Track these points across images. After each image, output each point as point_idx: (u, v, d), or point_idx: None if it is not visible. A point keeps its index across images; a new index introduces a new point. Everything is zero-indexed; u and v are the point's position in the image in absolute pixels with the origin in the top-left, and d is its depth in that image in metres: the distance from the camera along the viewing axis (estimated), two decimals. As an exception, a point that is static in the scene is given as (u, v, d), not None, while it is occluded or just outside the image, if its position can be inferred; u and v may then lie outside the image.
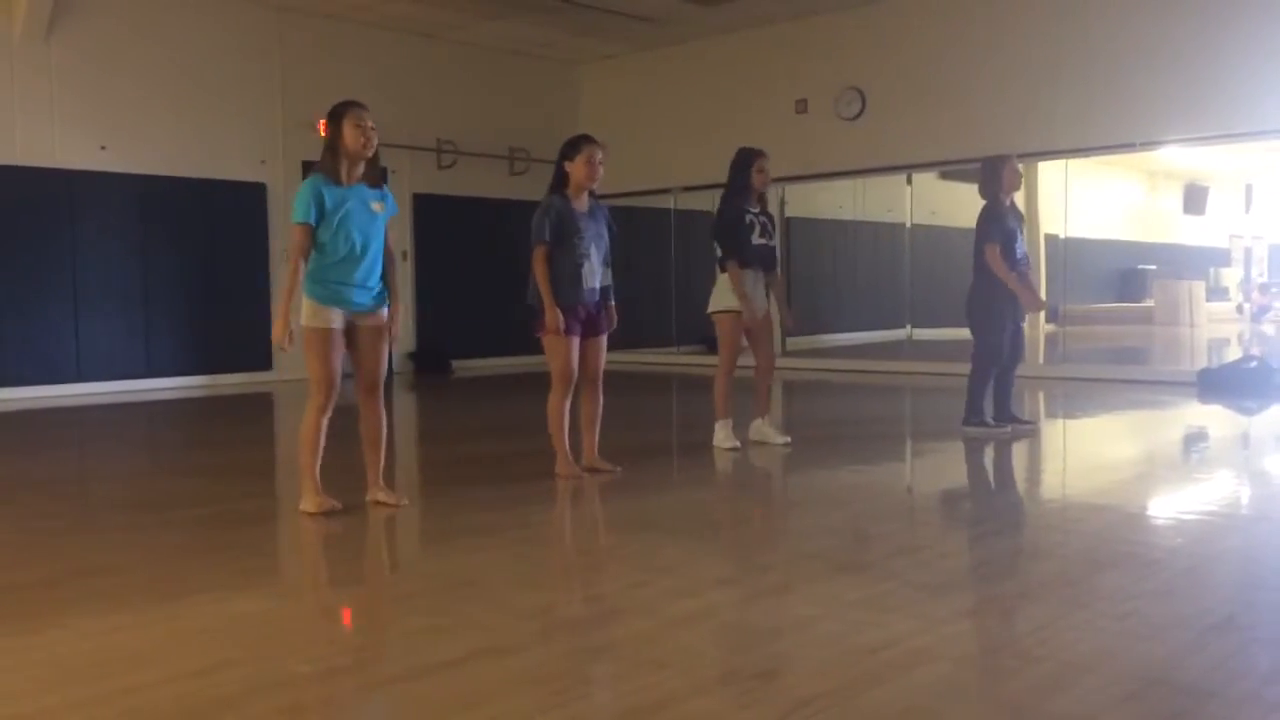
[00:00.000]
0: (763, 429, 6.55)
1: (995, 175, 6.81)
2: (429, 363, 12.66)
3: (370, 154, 4.64)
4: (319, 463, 4.72)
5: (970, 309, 6.87)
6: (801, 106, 12.55)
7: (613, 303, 5.54)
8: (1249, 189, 21.71)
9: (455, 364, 12.91)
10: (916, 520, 4.89)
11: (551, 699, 2.59)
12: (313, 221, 4.56)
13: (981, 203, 6.90)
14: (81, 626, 3.19)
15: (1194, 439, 7.56)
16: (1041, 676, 2.68)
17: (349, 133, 4.56)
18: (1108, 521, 4.59)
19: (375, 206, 4.68)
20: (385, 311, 4.80)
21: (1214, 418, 8.32)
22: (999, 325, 6.78)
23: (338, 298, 4.61)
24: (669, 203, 13.92)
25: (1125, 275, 20.33)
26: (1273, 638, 3.03)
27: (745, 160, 6.40)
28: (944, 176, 12.96)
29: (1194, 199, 21.34)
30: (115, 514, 5.05)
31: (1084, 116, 10.61)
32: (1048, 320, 13.55)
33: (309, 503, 4.72)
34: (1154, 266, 20.24)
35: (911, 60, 11.69)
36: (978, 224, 6.81)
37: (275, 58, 11.73)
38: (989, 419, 6.87)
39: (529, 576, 3.84)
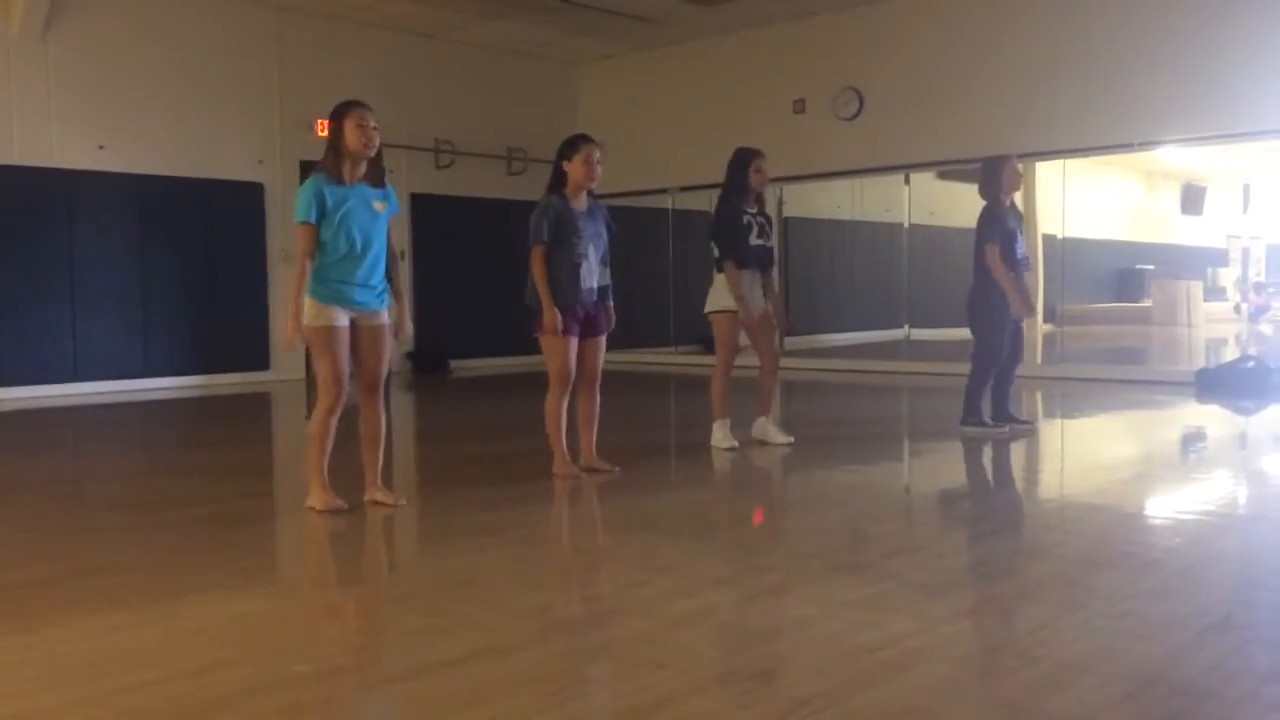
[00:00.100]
0: (766, 428, 6.53)
1: (995, 176, 6.81)
2: (427, 362, 12.66)
3: (372, 154, 4.63)
4: (326, 461, 4.72)
5: (971, 309, 6.87)
6: (799, 106, 12.55)
7: (611, 302, 5.54)
8: (1246, 189, 21.71)
9: (453, 364, 12.92)
10: (914, 520, 4.89)
11: (549, 699, 2.59)
12: (314, 220, 4.55)
13: (980, 203, 6.91)
14: (79, 626, 3.18)
15: (1191, 439, 7.56)
16: (1039, 676, 2.68)
17: (351, 132, 4.56)
18: (1106, 521, 4.60)
19: (377, 206, 4.68)
20: (387, 311, 4.80)
21: (1211, 418, 8.33)
22: (1000, 325, 6.78)
23: (340, 297, 4.61)
24: (667, 203, 13.92)
25: (1123, 275, 20.35)
26: (1270, 637, 3.04)
27: (743, 160, 6.40)
28: (942, 176, 12.97)
29: (1191, 199, 21.36)
30: (113, 514, 5.04)
31: (1082, 116, 10.61)
32: (1046, 320, 13.56)
33: (316, 499, 4.73)
34: (1152, 266, 20.25)
35: (909, 60, 11.70)
36: (978, 224, 6.81)
37: (274, 57, 11.72)
38: (987, 419, 6.87)
39: (527, 576, 3.84)
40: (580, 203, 5.35)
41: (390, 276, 4.81)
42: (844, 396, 10.32)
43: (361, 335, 4.71)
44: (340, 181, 4.60)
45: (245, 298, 11.53)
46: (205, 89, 11.20)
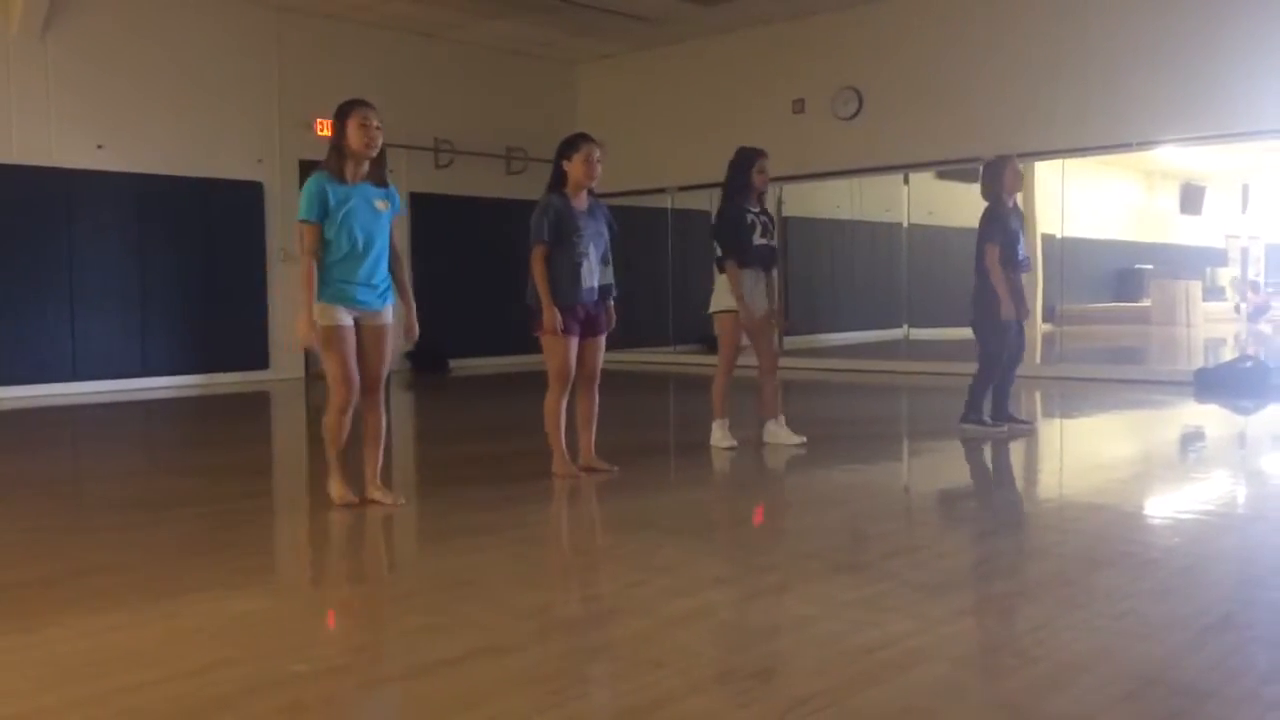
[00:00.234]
0: (775, 431, 6.48)
1: (997, 177, 6.82)
2: (426, 362, 12.65)
3: (374, 154, 4.64)
4: (340, 454, 4.76)
5: (974, 309, 6.88)
6: (799, 106, 12.55)
7: (612, 301, 5.53)
8: (1245, 189, 21.70)
9: (452, 363, 12.91)
10: (914, 520, 4.89)
11: (549, 698, 2.59)
12: (316, 219, 4.55)
13: (981, 203, 6.92)
14: (79, 625, 3.18)
15: (1191, 439, 7.57)
16: (1039, 676, 2.68)
17: (354, 132, 4.56)
18: (1105, 521, 4.60)
19: (379, 205, 4.69)
20: (390, 310, 4.81)
21: (1210, 417, 8.33)
22: (1003, 325, 6.78)
23: (343, 296, 4.62)
24: (666, 202, 13.92)
25: (1122, 275, 20.34)
26: (1270, 637, 3.04)
27: (746, 160, 6.38)
28: (941, 176, 12.97)
29: (1191, 199, 21.35)
30: (112, 513, 5.04)
31: (1081, 116, 10.61)
32: (1045, 320, 13.56)
33: (332, 489, 4.80)
34: (1151, 266, 20.25)
35: (909, 60, 11.70)
36: (980, 225, 6.82)
37: (273, 57, 11.72)
38: (986, 418, 6.88)
39: (526, 576, 3.84)
40: (581, 202, 5.35)
41: (396, 276, 4.82)
42: (843, 396, 10.32)
43: (364, 335, 4.72)
44: (343, 180, 4.60)
45: (244, 297, 11.53)
46: (204, 88, 11.20)
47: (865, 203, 15.27)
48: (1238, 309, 19.76)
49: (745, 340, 6.43)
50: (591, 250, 5.32)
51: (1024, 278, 7.03)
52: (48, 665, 2.86)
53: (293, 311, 4.65)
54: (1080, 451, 7.08)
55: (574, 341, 5.35)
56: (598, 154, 5.29)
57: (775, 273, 6.53)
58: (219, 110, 11.30)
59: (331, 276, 4.60)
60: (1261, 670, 2.76)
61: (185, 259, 11.14)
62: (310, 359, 11.42)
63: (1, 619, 3.25)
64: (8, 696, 2.62)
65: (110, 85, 10.62)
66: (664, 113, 13.59)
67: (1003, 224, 6.74)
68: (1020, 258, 6.81)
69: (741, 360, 6.44)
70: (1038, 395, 9.55)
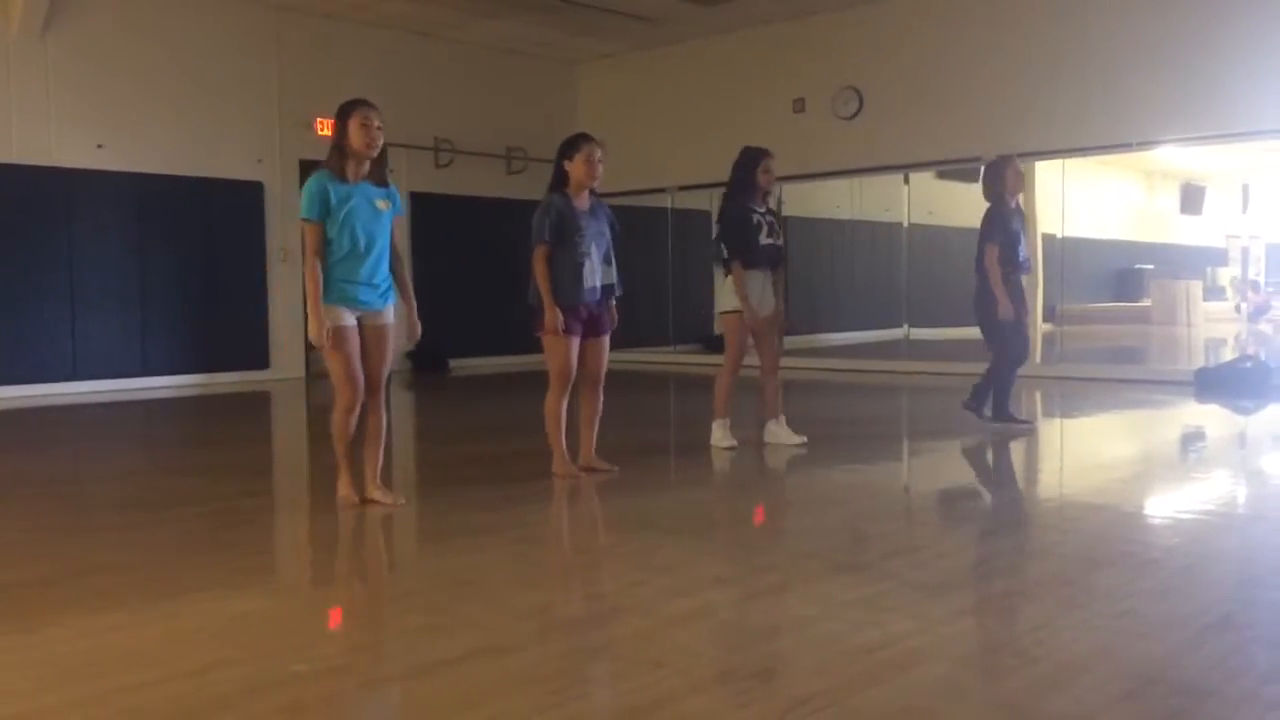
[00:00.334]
0: (776, 431, 6.47)
1: (998, 177, 6.83)
2: (426, 361, 12.65)
3: (375, 154, 4.64)
4: (346, 452, 4.78)
5: (978, 310, 6.88)
6: (799, 106, 12.54)
7: (614, 301, 5.52)
8: (1246, 189, 21.71)
9: (452, 363, 12.91)
10: (914, 520, 4.89)
11: (549, 698, 2.59)
12: (316, 218, 4.55)
13: (981, 202, 6.92)
14: (79, 625, 3.18)
15: (1191, 438, 7.57)
16: (1039, 676, 2.68)
17: (355, 132, 4.57)
18: (1105, 521, 4.60)
19: (380, 204, 4.69)
20: (391, 310, 4.81)
21: (1211, 417, 8.33)
22: (1013, 323, 6.78)
23: (344, 296, 4.62)
24: (666, 202, 13.92)
25: (1122, 275, 20.34)
26: (1270, 636, 3.04)
27: (751, 160, 6.36)
28: (941, 176, 12.97)
29: (1191, 199, 21.35)
30: (112, 513, 5.04)
31: (1081, 116, 10.61)
32: (1045, 320, 13.57)
33: (340, 487, 4.81)
34: (1151, 266, 20.25)
35: (909, 60, 11.69)
36: (981, 225, 6.83)
37: (273, 56, 11.72)
38: (985, 413, 6.92)
39: (526, 576, 3.84)
40: (582, 201, 5.34)
41: (397, 276, 4.83)
42: (843, 396, 10.32)
43: (366, 335, 4.72)
44: (344, 180, 4.61)
45: (244, 297, 11.53)
46: (204, 88, 11.20)
47: (865, 202, 15.27)
48: (1238, 309, 19.77)
49: (750, 340, 6.42)
50: (594, 250, 5.32)
51: (1024, 278, 7.04)
52: (48, 665, 2.86)
53: (308, 312, 4.67)
54: (1080, 451, 7.08)
55: (575, 341, 5.35)
56: (599, 154, 5.28)
57: (781, 272, 6.52)
58: (219, 110, 11.30)
59: (334, 277, 4.60)
60: (1261, 670, 2.76)
61: (185, 259, 11.14)
62: (311, 359, 11.43)
63: (1, 619, 3.25)
64: (8, 696, 2.62)
65: (110, 85, 10.62)
66: (664, 113, 13.59)
67: (1004, 224, 6.75)
68: (1021, 259, 6.81)
69: (748, 359, 6.43)
70: (1038, 395, 9.55)
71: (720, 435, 6.40)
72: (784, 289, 6.53)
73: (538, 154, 13.17)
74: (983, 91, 11.13)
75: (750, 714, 2.48)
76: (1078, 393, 9.59)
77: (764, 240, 6.28)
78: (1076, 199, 13.21)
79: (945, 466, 6.31)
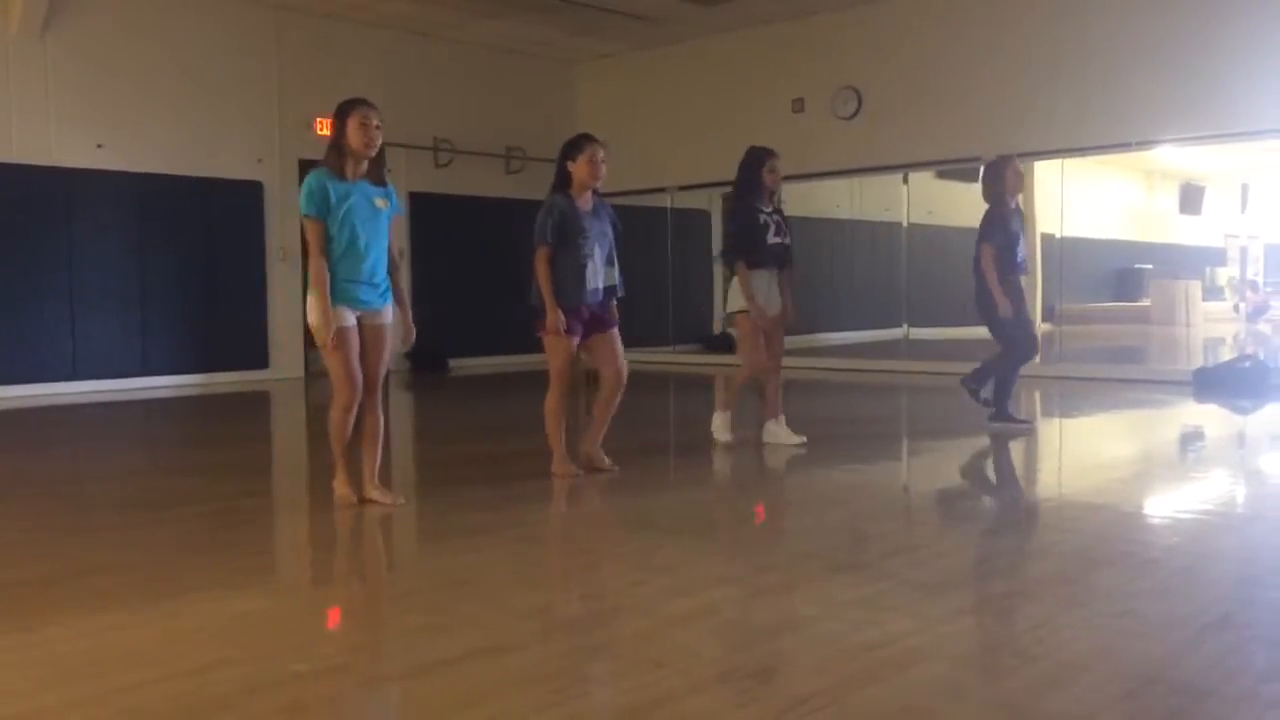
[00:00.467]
0: (775, 431, 6.46)
1: (998, 178, 6.83)
2: (426, 361, 12.65)
3: (374, 154, 4.64)
4: (343, 451, 4.78)
5: (981, 310, 6.89)
6: (798, 106, 12.54)
7: (615, 301, 5.51)
8: (1245, 189, 21.73)
9: (452, 362, 12.91)
10: (913, 520, 4.89)
11: (549, 697, 2.59)
12: (316, 214, 4.55)
13: (981, 201, 6.93)
14: (79, 625, 3.18)
15: (1190, 438, 7.57)
16: (1038, 675, 2.68)
17: (353, 131, 4.57)
18: (1104, 520, 4.60)
19: (379, 203, 4.69)
20: (389, 310, 4.81)
21: (1209, 417, 8.34)
22: (1017, 320, 6.79)
23: (344, 295, 4.62)
24: (665, 201, 13.92)
25: (1121, 275, 20.34)
26: (1269, 636, 3.04)
27: (757, 159, 6.37)
28: (940, 176, 12.96)
29: (1190, 199, 21.36)
30: (112, 513, 5.04)
31: (1080, 116, 10.61)
32: (1044, 320, 13.58)
33: (337, 485, 4.82)
34: (1150, 266, 20.26)
35: (908, 60, 11.69)
36: (980, 225, 6.84)
37: (272, 56, 11.71)
38: (985, 396, 6.95)
39: (526, 575, 3.84)
40: (585, 202, 5.34)
41: (392, 279, 4.82)
42: (843, 396, 10.33)
43: (364, 334, 4.72)
44: (343, 177, 4.61)
45: (244, 296, 11.53)
46: (204, 87, 11.19)
47: (865, 202, 15.27)
48: (1237, 309, 19.78)
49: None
50: (596, 251, 5.33)
51: (1022, 279, 7.04)
52: (48, 665, 2.86)
53: (308, 303, 4.67)
54: (1080, 451, 7.08)
55: (576, 342, 5.36)
56: (602, 154, 5.29)
57: (789, 271, 6.53)
58: (219, 110, 11.30)
59: (334, 276, 4.60)
60: (1260, 669, 2.76)
61: (185, 258, 11.14)
62: (310, 358, 11.43)
63: (1, 618, 3.25)
64: (8, 696, 2.62)
65: (110, 85, 10.62)
66: (663, 112, 13.59)
67: (1004, 225, 6.75)
68: (1019, 260, 6.82)
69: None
70: (1037, 395, 9.55)
71: (720, 426, 6.43)
72: (788, 287, 6.55)
73: (537, 154, 13.17)
74: (982, 91, 11.13)
75: (750, 713, 2.48)
76: (1077, 392, 9.59)
77: (771, 240, 6.30)
78: (1076, 199, 13.22)
79: (945, 466, 6.31)
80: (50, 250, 10.29)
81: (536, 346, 5.43)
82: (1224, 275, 22.22)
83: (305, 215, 4.58)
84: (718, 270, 14.57)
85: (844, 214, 15.45)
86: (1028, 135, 10.74)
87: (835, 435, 7.24)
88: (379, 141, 4.64)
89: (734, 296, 6.38)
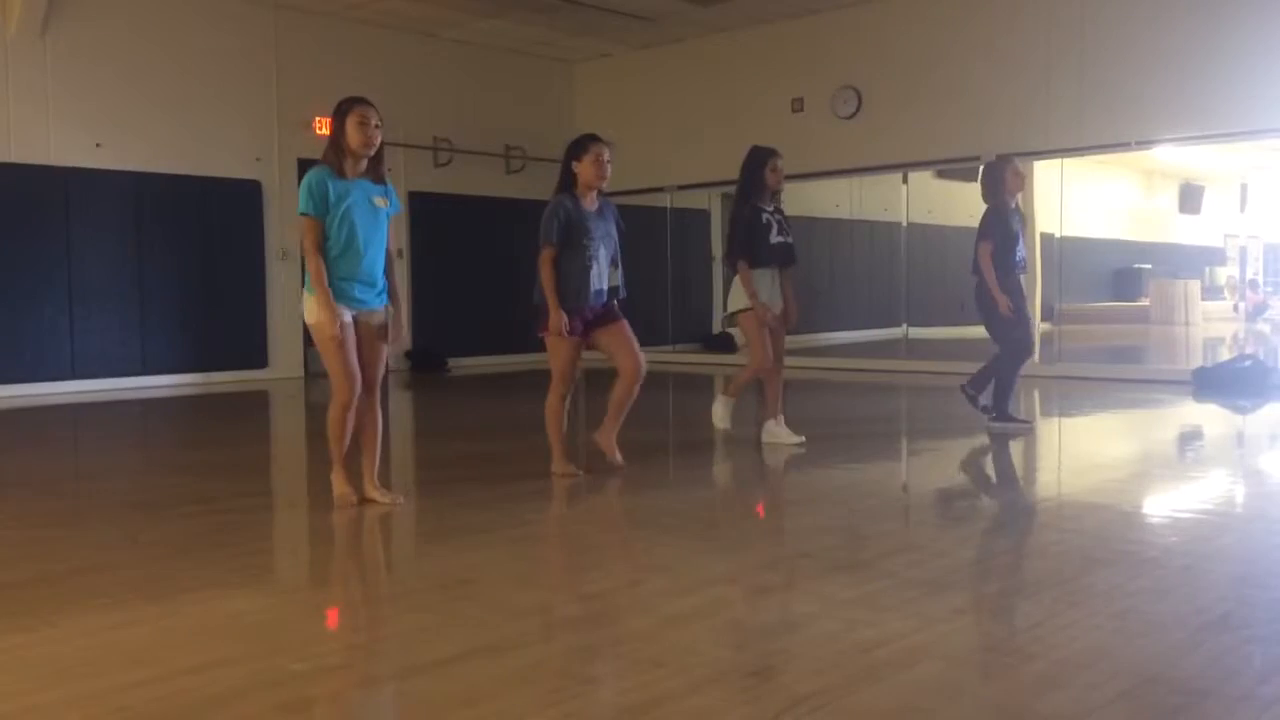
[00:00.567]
0: (774, 430, 6.47)
1: (998, 178, 6.84)
2: (425, 361, 12.65)
3: (372, 153, 4.64)
4: (344, 451, 4.78)
5: (981, 309, 6.89)
6: (798, 105, 12.54)
7: (616, 302, 5.51)
8: (1244, 188, 21.72)
9: (451, 362, 12.91)
10: (912, 519, 4.89)
11: (548, 697, 2.59)
12: (315, 213, 4.55)
13: (980, 200, 6.93)
14: (77, 624, 3.18)
15: (1189, 438, 7.57)
16: (1036, 674, 2.68)
17: (352, 130, 4.57)
18: (1103, 520, 4.60)
19: (378, 202, 4.69)
20: (387, 310, 4.81)
21: (1209, 416, 8.34)
22: (1016, 318, 6.79)
23: (342, 294, 4.62)
24: (665, 201, 13.91)
25: (1121, 274, 20.32)
26: (1268, 635, 3.04)
27: (759, 159, 6.37)
28: (940, 175, 12.95)
29: (1189, 198, 21.35)
30: (110, 512, 5.04)
31: (1080, 116, 10.61)
32: (1043, 319, 13.58)
33: (335, 484, 4.83)
34: (1149, 265, 20.25)
35: (907, 59, 11.70)
36: (979, 224, 6.84)
37: (271, 55, 11.71)
38: (984, 401, 6.94)
39: (525, 575, 3.84)
40: (590, 202, 5.34)
41: (388, 278, 4.82)
42: (842, 395, 10.33)
43: (361, 333, 4.72)
44: (342, 175, 4.61)
45: (243, 296, 11.53)
46: (203, 87, 11.19)
47: (864, 202, 15.26)
48: (1236, 308, 19.79)
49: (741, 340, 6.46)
50: (601, 252, 5.33)
51: (1022, 278, 7.05)
52: (46, 664, 2.86)
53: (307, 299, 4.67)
54: (1079, 451, 7.08)
55: (577, 342, 5.36)
56: (607, 154, 5.29)
57: (791, 271, 6.54)
58: (217, 109, 11.29)
59: (332, 274, 4.60)
60: (1259, 669, 2.76)
61: (184, 258, 11.14)
62: (309, 357, 11.42)
63: (1, 618, 3.25)
64: (6, 695, 2.62)
65: (109, 84, 10.62)
66: (663, 112, 13.58)
67: (1003, 225, 6.76)
68: (1018, 260, 6.82)
69: (743, 358, 6.46)
70: (1036, 394, 9.56)
71: (721, 414, 6.46)
72: (790, 286, 6.56)
73: (536, 153, 13.18)
74: (982, 91, 11.13)
75: (749, 712, 2.48)
76: (1076, 392, 9.59)
77: (774, 239, 6.32)
78: (1075, 198, 13.20)
79: (944, 466, 6.31)
80: (49, 250, 10.29)
81: (536, 346, 5.44)
82: (1223, 275, 22.22)
83: (302, 213, 4.58)
84: (717, 270, 14.58)
85: (843, 214, 15.44)
86: (1027, 135, 10.74)
87: (835, 435, 7.24)
88: (378, 140, 4.64)
89: (736, 296, 6.38)
